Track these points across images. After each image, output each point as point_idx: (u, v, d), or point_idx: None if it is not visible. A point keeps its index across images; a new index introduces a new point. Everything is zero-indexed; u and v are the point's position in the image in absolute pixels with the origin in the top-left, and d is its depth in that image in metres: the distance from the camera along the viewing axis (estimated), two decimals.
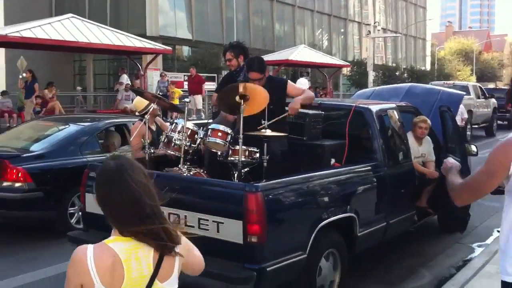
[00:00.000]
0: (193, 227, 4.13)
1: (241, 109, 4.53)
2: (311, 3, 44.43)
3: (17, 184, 6.35)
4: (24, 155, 6.68)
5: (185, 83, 23.60)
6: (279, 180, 4.32)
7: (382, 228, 5.44)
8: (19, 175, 6.32)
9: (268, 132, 4.67)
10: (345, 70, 41.10)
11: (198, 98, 20.53)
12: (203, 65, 30.41)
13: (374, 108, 5.78)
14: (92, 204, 4.71)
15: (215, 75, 28.61)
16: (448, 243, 6.82)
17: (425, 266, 6.04)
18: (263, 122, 4.67)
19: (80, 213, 6.26)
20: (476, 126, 20.93)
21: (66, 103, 21.75)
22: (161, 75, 21.49)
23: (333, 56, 38.37)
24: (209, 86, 27.00)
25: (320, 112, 5.62)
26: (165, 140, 5.04)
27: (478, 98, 21.38)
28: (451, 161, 2.90)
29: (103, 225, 4.70)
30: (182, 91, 21.47)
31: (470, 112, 19.94)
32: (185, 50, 35.97)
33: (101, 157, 6.77)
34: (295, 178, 4.51)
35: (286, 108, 5.10)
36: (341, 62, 33.17)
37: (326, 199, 4.70)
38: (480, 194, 2.55)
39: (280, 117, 4.91)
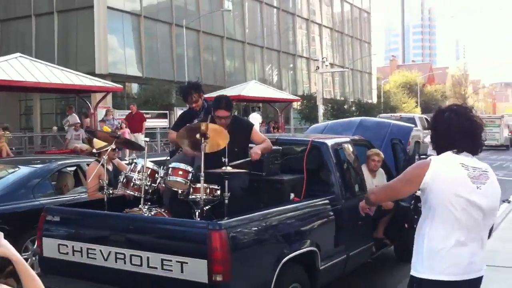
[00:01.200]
0: (156, 268, 4.07)
1: (202, 147, 4.56)
2: (260, 39, 45.28)
3: None
4: None
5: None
6: (241, 217, 4.33)
7: (343, 261, 5.50)
8: None
9: (229, 169, 4.70)
10: (296, 104, 41.87)
11: (139, 137, 19.19)
12: (154, 102, 30.32)
13: (330, 142, 5.91)
14: (49, 248, 4.58)
15: (167, 112, 28.55)
16: (406, 273, 6.89)
17: None
18: (223, 159, 4.71)
19: (34, 258, 6.05)
20: (424, 156, 21.61)
21: (13, 144, 21.09)
22: (106, 113, 20.49)
23: (283, 91, 39.02)
24: (162, 123, 26.91)
25: (278, 147, 5.70)
26: (124, 180, 4.99)
27: (425, 129, 22.14)
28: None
29: (61, 270, 4.61)
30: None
31: (418, 143, 20.61)
32: (135, 87, 35.82)
33: (55, 199, 6.59)
34: (257, 214, 4.53)
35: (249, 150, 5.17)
36: (292, 97, 33.77)
37: (288, 234, 4.74)
38: (395, 196, 3.42)
39: (243, 160, 4.97)
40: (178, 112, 22.05)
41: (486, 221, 2.95)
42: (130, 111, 20.68)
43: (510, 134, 35.09)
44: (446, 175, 2.86)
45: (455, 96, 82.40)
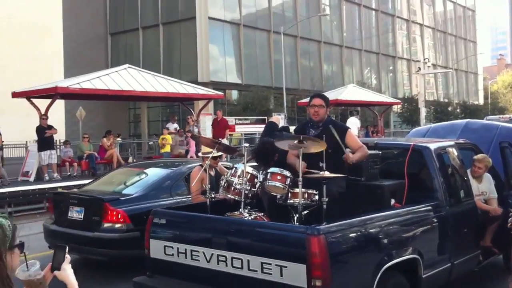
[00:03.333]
0: (256, 271, 4.16)
1: (300, 152, 4.60)
2: (359, 42, 44.67)
3: (117, 225, 6.82)
4: (122, 198, 7.12)
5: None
6: (340, 223, 4.31)
7: (447, 269, 5.30)
8: (119, 216, 6.79)
9: (327, 174, 4.70)
10: (396, 108, 40.78)
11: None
12: (253, 107, 30.87)
13: (433, 146, 5.71)
14: (157, 250, 4.83)
15: (265, 117, 28.93)
16: None
17: None
18: (321, 164, 4.72)
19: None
20: None
21: (122, 150, 22.39)
22: (187, 120, 20.05)
23: (383, 94, 38.18)
24: (260, 128, 27.29)
25: (378, 152, 5.61)
26: (225, 185, 5.14)
27: None
28: None
29: (168, 271, 4.83)
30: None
31: None
32: (235, 94, 36.69)
33: (188, 198, 6.99)
34: (356, 220, 4.49)
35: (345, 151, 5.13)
36: (391, 100, 32.94)
37: (388, 240, 4.64)
38: None
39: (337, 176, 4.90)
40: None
41: None
42: (216, 116, 20.31)
43: None
44: None
45: None
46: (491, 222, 6.21)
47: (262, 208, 5.39)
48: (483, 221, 6.12)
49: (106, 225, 6.82)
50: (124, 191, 7.48)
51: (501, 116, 26.58)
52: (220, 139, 18.25)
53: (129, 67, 17.81)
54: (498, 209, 6.26)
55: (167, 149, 18.33)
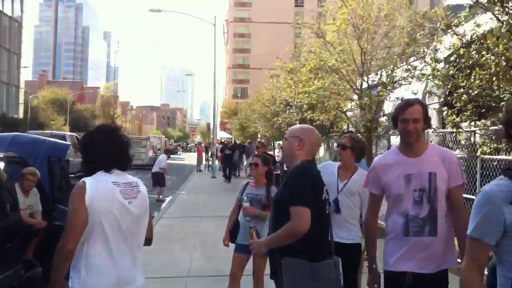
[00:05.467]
0: None
1: None
2: None
3: None
4: None
5: None
6: None
7: None
8: None
9: None
10: None
11: None
12: None
13: None
14: None
15: None
16: None
17: None
18: None
19: None
20: (73, 175, 21.46)
21: None
22: None
23: None
24: None
25: None
26: None
27: (74, 147, 22.06)
28: None
29: None
30: None
31: (68, 161, 20.44)
32: None
33: None
34: None
35: None
36: None
37: None
38: (79, 231, 2.94)
39: None
40: None
41: (137, 234, 3.17)
42: None
43: (154, 154, 37.79)
44: (100, 195, 2.97)
45: (104, 116, 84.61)
46: (35, 235, 6.31)
47: None
48: (28, 234, 6.15)
49: None
50: None
51: (42, 131, 27.19)
52: None
53: None
54: (42, 222, 6.42)
55: None
